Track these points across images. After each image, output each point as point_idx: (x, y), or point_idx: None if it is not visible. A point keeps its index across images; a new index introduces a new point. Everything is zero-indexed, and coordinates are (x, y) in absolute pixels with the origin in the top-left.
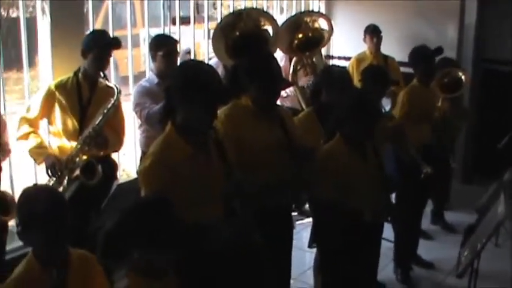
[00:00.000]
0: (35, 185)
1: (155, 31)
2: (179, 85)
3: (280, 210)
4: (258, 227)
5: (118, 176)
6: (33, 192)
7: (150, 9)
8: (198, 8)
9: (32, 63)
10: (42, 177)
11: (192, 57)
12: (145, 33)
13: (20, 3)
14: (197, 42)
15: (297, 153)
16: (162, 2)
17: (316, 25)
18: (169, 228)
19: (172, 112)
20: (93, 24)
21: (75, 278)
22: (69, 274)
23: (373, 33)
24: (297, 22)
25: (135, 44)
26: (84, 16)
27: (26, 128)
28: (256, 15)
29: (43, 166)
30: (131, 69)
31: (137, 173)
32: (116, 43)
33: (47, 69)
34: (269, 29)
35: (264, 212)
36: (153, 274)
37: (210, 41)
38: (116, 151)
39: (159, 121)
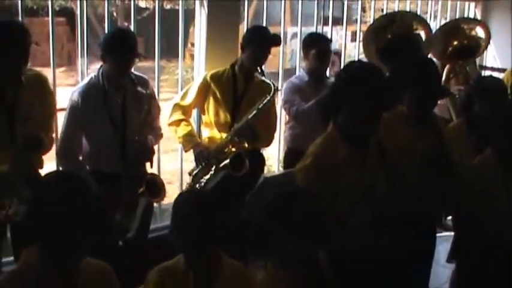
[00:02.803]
0: (188, 190)
1: (305, 30)
2: (346, 85)
3: (424, 221)
4: (403, 237)
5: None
6: (182, 198)
7: (299, 8)
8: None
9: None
10: (188, 164)
11: (342, 59)
12: (294, 32)
13: None
14: (340, 43)
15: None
16: (316, 1)
17: (472, 33)
18: (316, 221)
19: (335, 112)
20: (247, 19)
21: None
22: (217, 281)
23: None
24: (453, 28)
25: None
26: (240, 11)
27: (178, 115)
28: (410, 18)
29: (190, 153)
30: (281, 66)
31: (297, 171)
32: (276, 40)
33: (201, 60)
34: (422, 33)
35: (409, 222)
36: (295, 265)
37: (356, 43)
38: (265, 146)
39: (321, 120)
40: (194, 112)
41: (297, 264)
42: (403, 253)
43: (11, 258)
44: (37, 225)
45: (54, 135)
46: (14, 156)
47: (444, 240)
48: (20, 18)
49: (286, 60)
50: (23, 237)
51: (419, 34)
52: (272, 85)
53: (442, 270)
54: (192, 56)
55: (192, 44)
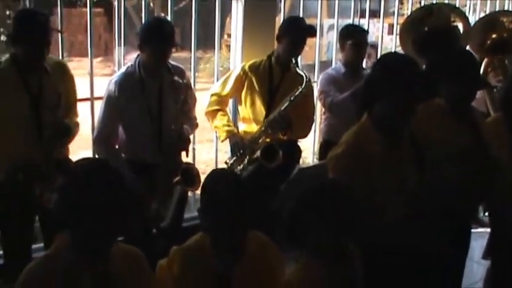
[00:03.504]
0: (221, 169)
1: (342, 22)
2: (382, 76)
3: (458, 215)
4: (437, 231)
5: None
6: (216, 177)
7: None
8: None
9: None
10: (223, 155)
11: (379, 51)
12: (331, 24)
13: None
14: (377, 36)
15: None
16: None
17: None
18: (349, 213)
19: (370, 103)
20: (284, 10)
21: (250, 267)
22: (243, 260)
23: None
24: (492, 21)
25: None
26: (276, 2)
27: (215, 105)
28: (447, 11)
29: (225, 144)
30: (317, 57)
31: (328, 159)
32: (312, 31)
33: (237, 51)
34: (459, 26)
35: (443, 216)
36: (328, 256)
37: (393, 36)
38: (302, 137)
39: (355, 111)
40: (230, 103)
41: (329, 255)
42: (437, 248)
43: (41, 244)
44: (69, 213)
45: (78, 119)
46: (43, 144)
47: (479, 237)
48: (58, 9)
49: (322, 53)
50: (54, 224)
51: (457, 26)
52: (304, 76)
53: (476, 267)
54: (228, 47)
55: (228, 35)
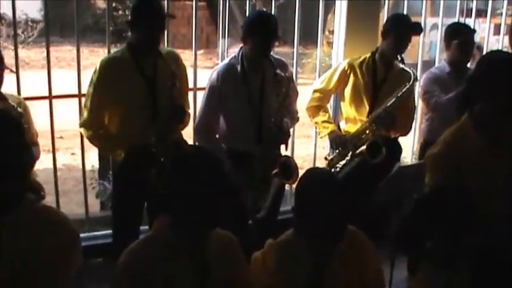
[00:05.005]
0: (318, 170)
1: (445, 21)
2: (486, 75)
3: None
4: None
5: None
6: (312, 179)
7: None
8: None
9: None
10: (320, 151)
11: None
12: (434, 23)
13: None
14: (482, 37)
15: None
16: None
17: None
18: (467, 216)
19: (471, 102)
20: (388, 8)
21: (343, 264)
22: (336, 257)
23: None
24: None
25: None
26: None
27: (316, 101)
28: None
29: (324, 139)
30: (420, 56)
31: (426, 158)
32: (417, 28)
33: (339, 47)
34: None
35: None
36: (447, 265)
37: (500, 37)
38: (403, 135)
39: (455, 109)
40: (331, 101)
41: (450, 261)
42: None
43: (146, 227)
44: (173, 198)
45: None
46: (157, 127)
47: None
48: (165, 2)
49: (424, 52)
50: (158, 206)
51: None
52: (412, 73)
53: None
54: (328, 43)
55: (330, 32)
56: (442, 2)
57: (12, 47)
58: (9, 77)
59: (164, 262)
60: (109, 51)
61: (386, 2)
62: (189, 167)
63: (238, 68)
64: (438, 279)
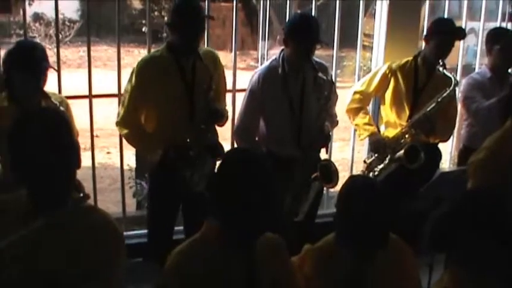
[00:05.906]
0: (360, 178)
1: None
2: None
3: None
4: None
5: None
6: (354, 188)
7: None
8: None
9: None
10: (356, 155)
11: None
12: (471, 27)
13: None
14: None
15: None
16: None
17: None
18: (502, 220)
19: None
20: (428, 11)
21: (382, 271)
22: (375, 264)
23: None
24: None
25: None
26: (421, 4)
27: (356, 103)
28: None
29: (360, 142)
30: (460, 61)
31: (469, 164)
32: (461, 33)
33: (379, 51)
34: None
35: None
36: (477, 268)
37: None
38: (443, 141)
39: (498, 115)
40: (371, 104)
41: (480, 264)
42: None
43: (180, 227)
44: (220, 203)
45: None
46: (194, 127)
47: None
48: (205, 3)
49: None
50: (203, 211)
51: None
52: (453, 78)
53: None
54: (365, 47)
55: (365, 35)
56: (483, 6)
57: (50, 47)
58: (49, 76)
59: (214, 265)
60: (149, 51)
61: (427, 2)
62: (241, 174)
63: (279, 70)
64: (468, 284)
